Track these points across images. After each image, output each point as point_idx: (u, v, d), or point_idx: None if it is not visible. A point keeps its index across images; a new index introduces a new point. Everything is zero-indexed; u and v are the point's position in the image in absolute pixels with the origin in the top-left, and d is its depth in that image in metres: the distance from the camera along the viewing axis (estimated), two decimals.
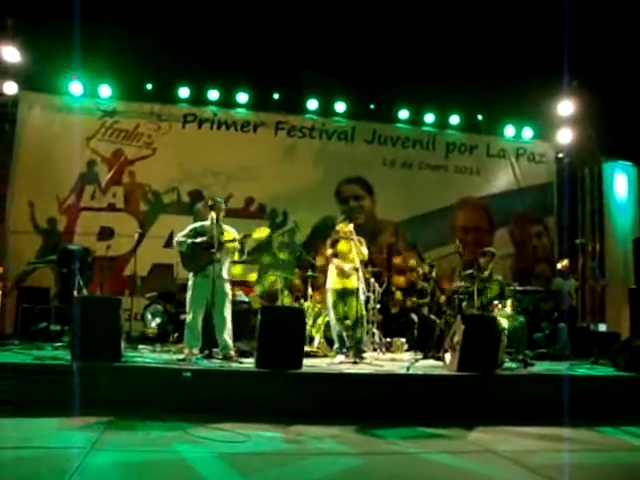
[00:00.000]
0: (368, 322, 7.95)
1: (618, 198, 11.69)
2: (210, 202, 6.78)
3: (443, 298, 8.89)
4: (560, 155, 12.30)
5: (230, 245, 6.56)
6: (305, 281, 8.73)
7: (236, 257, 6.77)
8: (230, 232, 6.72)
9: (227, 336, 6.43)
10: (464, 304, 7.69)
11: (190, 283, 6.53)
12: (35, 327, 8.08)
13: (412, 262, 9.56)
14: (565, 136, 11.90)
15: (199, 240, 6.47)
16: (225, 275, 6.58)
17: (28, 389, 5.09)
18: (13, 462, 3.60)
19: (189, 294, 6.51)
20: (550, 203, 12.16)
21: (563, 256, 10.25)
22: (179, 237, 6.61)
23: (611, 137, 11.36)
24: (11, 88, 9.91)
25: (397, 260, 10.96)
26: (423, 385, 5.84)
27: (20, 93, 10.08)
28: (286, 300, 8.72)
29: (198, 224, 6.78)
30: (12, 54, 9.61)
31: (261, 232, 6.64)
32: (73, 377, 5.09)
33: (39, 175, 10.03)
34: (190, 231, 6.65)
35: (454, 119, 11.75)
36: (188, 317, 6.47)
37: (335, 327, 7.30)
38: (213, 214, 6.57)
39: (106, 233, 10.18)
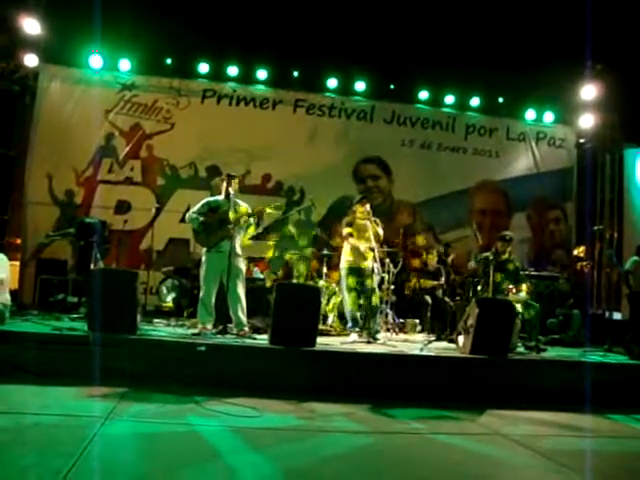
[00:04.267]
0: (382, 302, 7.95)
1: (639, 185, 11.52)
2: (224, 177, 6.79)
3: (458, 280, 8.88)
4: (581, 140, 12.11)
5: (244, 220, 6.53)
6: (320, 260, 8.75)
7: (251, 232, 6.77)
8: (244, 207, 6.69)
9: (241, 312, 6.46)
10: (479, 287, 7.67)
11: (204, 258, 6.57)
12: (53, 298, 8.18)
13: (428, 244, 9.50)
14: (587, 121, 11.71)
15: (211, 217, 6.51)
16: (239, 251, 6.59)
17: (48, 358, 5.17)
18: (33, 427, 3.67)
19: (203, 269, 6.55)
20: (569, 188, 12.03)
21: (581, 243, 10.16)
22: (191, 213, 6.62)
23: (634, 123, 11.18)
24: (31, 60, 9.90)
25: (413, 241, 10.93)
26: (436, 366, 5.86)
27: (40, 65, 10.07)
28: (301, 278, 8.75)
29: (212, 199, 6.79)
30: (33, 26, 9.59)
31: (276, 207, 6.61)
32: (90, 348, 5.17)
33: (58, 147, 10.08)
34: (203, 206, 6.65)
35: (474, 101, 11.62)
36: (201, 292, 6.52)
37: (349, 306, 7.31)
38: (230, 189, 6.59)
39: (123, 207, 10.24)
